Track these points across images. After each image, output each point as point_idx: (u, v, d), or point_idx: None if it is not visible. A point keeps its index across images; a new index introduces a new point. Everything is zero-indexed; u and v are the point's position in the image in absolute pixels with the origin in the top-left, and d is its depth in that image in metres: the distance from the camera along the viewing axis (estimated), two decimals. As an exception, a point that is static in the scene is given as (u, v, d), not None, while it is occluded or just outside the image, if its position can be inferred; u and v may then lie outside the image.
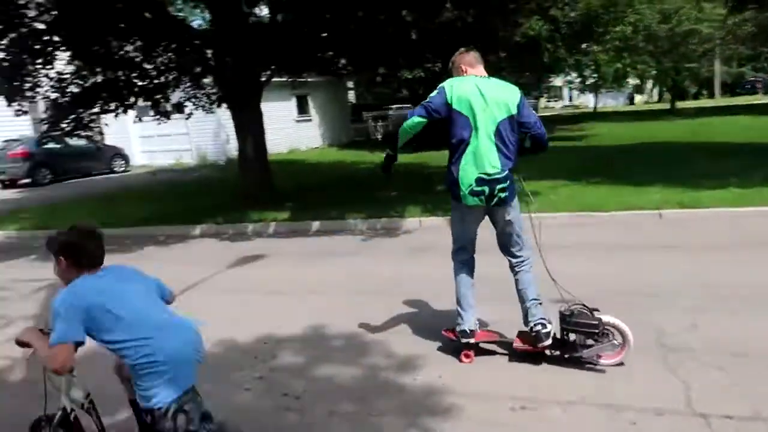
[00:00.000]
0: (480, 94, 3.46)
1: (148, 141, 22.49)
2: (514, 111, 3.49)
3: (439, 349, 4.08)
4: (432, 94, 3.53)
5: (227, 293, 5.99)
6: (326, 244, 7.81)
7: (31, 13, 9.91)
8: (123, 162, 21.21)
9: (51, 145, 18.67)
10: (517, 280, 3.69)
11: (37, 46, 10.08)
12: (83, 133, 11.83)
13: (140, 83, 11.39)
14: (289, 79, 14.20)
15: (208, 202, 11.24)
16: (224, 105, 11.85)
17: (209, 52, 10.82)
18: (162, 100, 12.21)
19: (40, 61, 10.33)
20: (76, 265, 2.48)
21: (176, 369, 2.35)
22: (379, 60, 11.87)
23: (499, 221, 3.64)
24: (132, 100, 11.51)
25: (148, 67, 11.29)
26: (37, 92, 10.72)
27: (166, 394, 2.33)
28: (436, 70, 18.50)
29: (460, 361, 3.85)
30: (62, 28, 10.03)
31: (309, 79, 18.92)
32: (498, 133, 3.44)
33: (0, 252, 9.12)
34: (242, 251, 7.76)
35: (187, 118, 14.45)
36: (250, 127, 10.92)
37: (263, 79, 11.15)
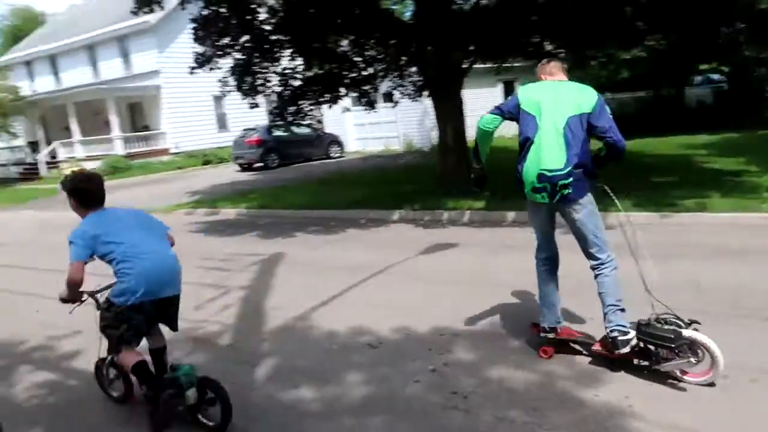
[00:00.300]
0: (551, 94, 3.51)
1: (360, 129, 23.99)
2: (587, 110, 3.41)
3: (629, 366, 3.59)
4: (508, 98, 3.73)
5: (413, 280, 6.08)
6: (520, 237, 7.50)
7: (261, 17, 11.14)
8: (339, 148, 22.96)
9: (279, 133, 20.98)
10: (597, 284, 3.53)
11: (266, 46, 11.30)
12: (304, 122, 13.05)
13: (350, 75, 12.15)
14: (494, 65, 13.94)
15: (410, 188, 11.57)
16: (426, 93, 12.09)
17: (414, 42, 11.07)
18: (371, 91, 12.89)
19: (267, 59, 11.60)
20: (83, 204, 3.33)
21: (144, 286, 3.16)
22: (591, 41, 11.04)
23: (568, 220, 3.56)
24: (342, 91, 12.33)
25: (358, 59, 11.97)
26: (267, 87, 12.06)
27: (124, 300, 3.15)
28: (659, 48, 16.67)
29: (539, 355, 3.84)
30: (287, 27, 11.11)
31: (515, 65, 18.38)
32: (567, 130, 3.38)
33: (229, 227, 10.47)
34: (434, 239, 7.84)
35: (393, 107, 15.06)
36: (449, 114, 10.97)
37: (465, 65, 11.09)
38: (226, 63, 11.84)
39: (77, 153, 24.90)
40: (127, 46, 26.00)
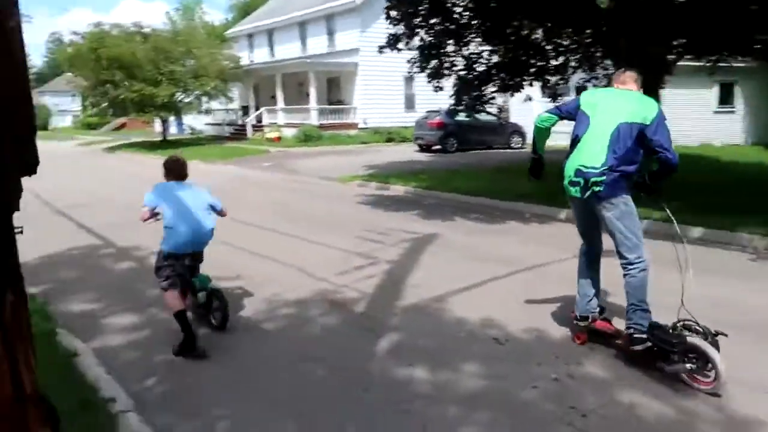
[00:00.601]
0: (610, 100, 3.65)
1: (547, 121, 23.00)
2: (643, 122, 3.45)
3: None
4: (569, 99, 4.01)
5: (561, 282, 5.68)
6: (702, 257, 6.61)
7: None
8: (520, 139, 22.32)
9: (461, 118, 20.93)
10: (624, 282, 3.65)
11: (455, 28, 11.27)
12: (486, 109, 12.82)
13: (538, 64, 11.64)
14: (707, 63, 12.38)
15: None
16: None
17: (608, 32, 10.24)
18: (560, 82, 12.26)
19: (456, 42, 11.56)
20: (167, 176, 4.42)
21: (181, 240, 4.18)
22: None
23: (600, 217, 3.66)
24: (527, 80, 11.87)
25: (548, 48, 11.41)
26: (452, 71, 12.06)
27: (167, 248, 4.21)
28: None
29: (573, 340, 4.10)
30: (479, 11, 10.95)
31: (737, 65, 16.14)
32: (616, 134, 3.48)
33: (395, 203, 10.76)
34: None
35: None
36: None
37: (672, 57, 9.98)
38: (417, 44, 12.05)
39: (279, 119, 27.39)
40: (333, 24, 27.81)
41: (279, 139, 25.56)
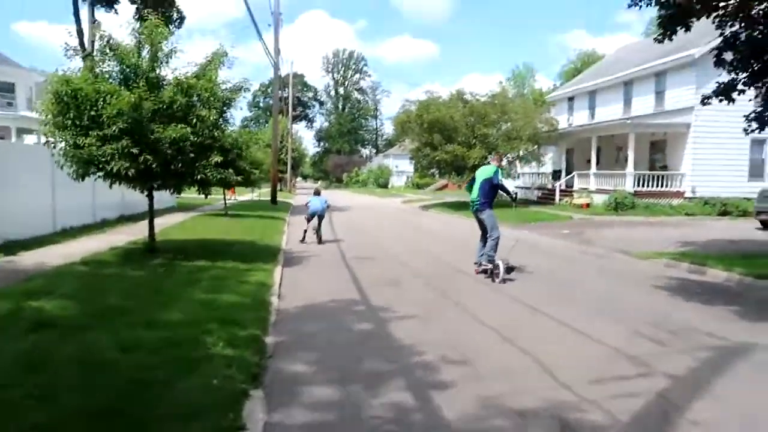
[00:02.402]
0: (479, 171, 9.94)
1: None
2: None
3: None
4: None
5: None
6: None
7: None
8: None
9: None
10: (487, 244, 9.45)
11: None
12: None
13: None
14: None
15: None
16: None
17: None
18: None
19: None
20: (314, 194, 14.70)
21: (311, 211, 14.14)
22: None
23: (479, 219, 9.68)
24: None
25: None
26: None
27: (308, 213, 14.31)
28: None
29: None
30: None
31: None
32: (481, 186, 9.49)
33: (706, 293, 8.37)
34: None
35: None
36: None
37: None
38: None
39: (590, 185, 25.52)
40: (662, 81, 25.01)
41: (587, 205, 23.73)
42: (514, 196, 11.03)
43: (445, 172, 30.86)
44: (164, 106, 9.24)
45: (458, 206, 27.53)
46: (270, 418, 3.88)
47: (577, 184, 26.88)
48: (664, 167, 24.51)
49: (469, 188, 9.91)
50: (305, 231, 14.13)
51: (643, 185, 23.41)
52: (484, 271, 9.31)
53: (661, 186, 23.40)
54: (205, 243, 12.54)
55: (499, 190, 9.57)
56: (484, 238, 9.56)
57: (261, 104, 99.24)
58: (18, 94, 33.88)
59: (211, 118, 9.37)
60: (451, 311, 7.10)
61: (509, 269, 9.17)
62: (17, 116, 31.58)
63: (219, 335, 5.30)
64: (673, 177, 23.57)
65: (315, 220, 14.11)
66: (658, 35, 9.43)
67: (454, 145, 26.18)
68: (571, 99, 33.04)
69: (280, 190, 50.18)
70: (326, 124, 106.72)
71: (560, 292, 8.33)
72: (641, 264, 11.12)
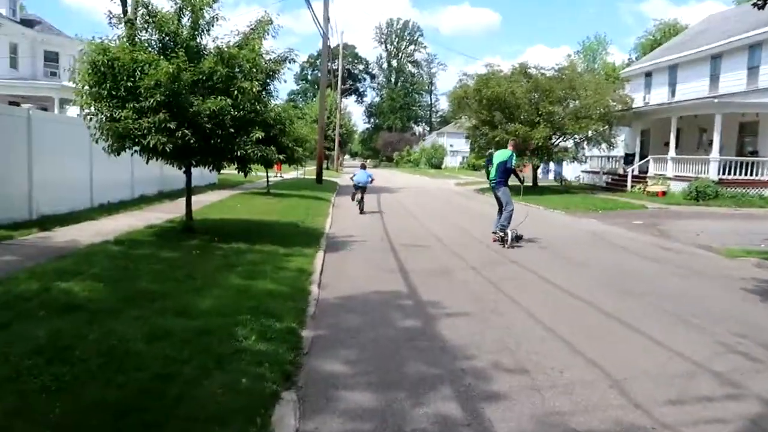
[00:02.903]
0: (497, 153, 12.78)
1: None
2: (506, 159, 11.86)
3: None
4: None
5: None
6: None
7: None
8: None
9: None
10: (502, 215, 11.80)
11: None
12: None
13: None
14: None
15: None
16: None
17: None
18: None
19: None
20: (360, 167, 18.79)
21: (355, 182, 17.39)
22: None
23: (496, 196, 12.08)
24: None
25: None
26: None
27: (354, 182, 17.60)
28: None
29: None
30: None
31: None
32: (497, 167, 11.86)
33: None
34: None
35: None
36: None
37: None
38: None
39: (667, 170, 24.42)
40: (757, 55, 23.51)
41: (663, 193, 22.73)
42: (522, 179, 13.68)
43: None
44: (204, 78, 9.22)
45: (516, 192, 26.85)
46: (302, 426, 3.73)
47: (653, 169, 25.79)
48: (755, 153, 23.18)
49: (486, 169, 12.41)
50: (353, 195, 17.65)
51: (729, 173, 22.19)
52: (501, 239, 11.58)
53: (751, 174, 22.13)
54: (244, 224, 12.59)
55: (511, 174, 11.95)
56: (500, 212, 11.89)
57: (309, 77, 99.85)
58: (61, 63, 34.98)
59: (254, 90, 9.27)
60: (508, 310, 6.80)
61: (518, 238, 11.67)
62: (60, 86, 32.62)
63: (252, 327, 5.22)
64: (765, 164, 22.25)
65: (359, 194, 17.28)
66: (757, 0, 8.73)
67: (515, 124, 25.50)
68: (648, 74, 31.61)
69: (326, 168, 50.41)
70: (377, 98, 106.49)
71: (632, 293, 7.88)
72: (726, 262, 10.47)
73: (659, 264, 10.24)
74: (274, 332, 5.18)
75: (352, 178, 17.66)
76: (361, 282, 7.92)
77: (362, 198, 17.24)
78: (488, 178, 12.19)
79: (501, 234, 11.58)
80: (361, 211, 16.84)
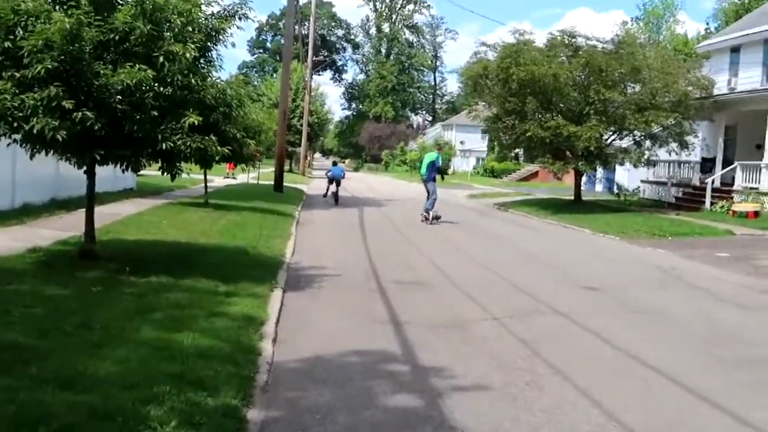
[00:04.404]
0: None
1: None
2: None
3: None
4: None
5: None
6: None
7: None
8: None
9: None
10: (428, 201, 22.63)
11: None
12: None
13: None
14: None
15: None
16: None
17: None
18: None
19: None
20: (333, 165, 31.97)
21: (331, 175, 29.33)
22: None
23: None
24: None
25: None
26: None
27: (329, 176, 29.77)
28: None
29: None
30: None
31: None
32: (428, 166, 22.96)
33: None
34: None
35: None
36: None
37: None
38: None
39: (762, 183, 24.41)
40: None
41: (756, 214, 22.77)
42: (443, 177, 25.28)
43: (538, 155, 30.00)
44: (116, 38, 9.00)
45: (555, 207, 26.82)
46: None
47: (740, 180, 25.83)
48: None
49: (419, 167, 23.46)
50: (328, 188, 28.99)
51: None
52: (426, 219, 21.43)
53: None
54: (170, 248, 12.36)
55: (438, 170, 22.68)
56: (428, 198, 21.71)
57: (268, 44, 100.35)
58: None
59: (188, 56, 9.00)
60: (551, 383, 6.48)
61: (436, 218, 21.34)
62: None
63: (173, 405, 4.91)
64: None
65: (334, 185, 28.08)
66: None
67: (555, 115, 25.43)
68: (735, 50, 31.72)
69: (289, 170, 50.18)
70: (361, 76, 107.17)
71: (733, 361, 7.62)
72: None
73: (762, 314, 10.07)
74: (206, 413, 4.86)
75: (327, 174, 29.71)
76: (335, 337, 7.71)
77: (337, 191, 28.03)
78: (420, 173, 23.37)
79: (425, 215, 21.86)
80: (336, 202, 27.40)
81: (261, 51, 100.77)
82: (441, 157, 23.99)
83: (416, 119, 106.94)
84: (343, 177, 29.57)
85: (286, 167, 37.42)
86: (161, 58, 8.97)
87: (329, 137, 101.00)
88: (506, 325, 8.69)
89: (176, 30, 9.25)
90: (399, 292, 10.36)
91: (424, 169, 22.23)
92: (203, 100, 9.88)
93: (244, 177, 37.54)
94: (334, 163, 30.92)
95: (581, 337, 8.38)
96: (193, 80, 9.44)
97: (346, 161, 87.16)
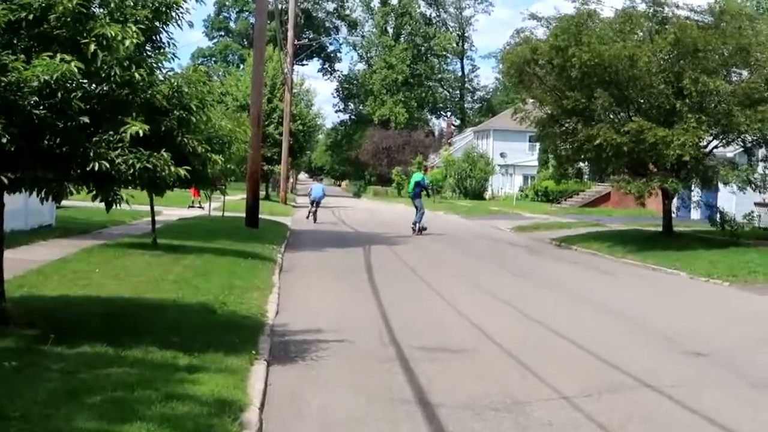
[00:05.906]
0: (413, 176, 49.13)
1: None
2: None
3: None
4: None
5: None
6: None
7: None
8: None
9: None
10: (417, 215, 39.86)
11: None
12: None
13: None
14: None
15: None
16: None
17: None
18: None
19: None
20: (314, 182, 62.49)
21: (311, 198, 48.99)
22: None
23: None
24: None
25: None
26: None
27: (310, 199, 49.36)
28: None
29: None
30: None
31: None
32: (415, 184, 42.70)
33: None
34: None
35: None
36: None
37: None
38: None
39: None
40: None
41: None
42: (429, 194, 49.83)
43: (611, 171, 29.77)
44: (30, 17, 9.04)
45: (640, 242, 26.76)
46: None
47: None
48: None
49: (409, 185, 41.81)
50: (310, 210, 43.38)
51: None
52: (413, 230, 35.39)
53: None
54: (108, 305, 12.37)
55: (424, 188, 39.48)
56: (417, 213, 35.87)
57: (232, 25, 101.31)
58: None
59: (127, 42, 9.07)
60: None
61: (422, 229, 35.26)
62: None
63: None
64: None
65: (314, 207, 42.58)
66: None
67: (635, 115, 25.41)
68: None
69: (265, 197, 50.93)
70: (361, 65, 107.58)
71: None
72: None
73: None
74: None
75: (309, 194, 44.24)
76: (343, 428, 7.78)
77: (316, 211, 42.16)
78: (408, 190, 40.44)
79: (413, 227, 34.73)
80: (315, 221, 40.99)
81: (222, 34, 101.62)
82: (426, 178, 42.70)
83: (439, 124, 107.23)
84: (323, 197, 44.83)
85: (262, 193, 37.40)
86: (92, 45, 8.99)
87: (319, 150, 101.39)
88: (580, 406, 8.70)
89: (112, 5, 9.35)
90: (426, 362, 10.42)
91: (411, 187, 37.68)
92: (151, 102, 9.90)
93: (205, 207, 37.71)
94: (320, 180, 52.39)
95: (686, 422, 8.38)
96: (136, 74, 9.46)
97: (343, 182, 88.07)
